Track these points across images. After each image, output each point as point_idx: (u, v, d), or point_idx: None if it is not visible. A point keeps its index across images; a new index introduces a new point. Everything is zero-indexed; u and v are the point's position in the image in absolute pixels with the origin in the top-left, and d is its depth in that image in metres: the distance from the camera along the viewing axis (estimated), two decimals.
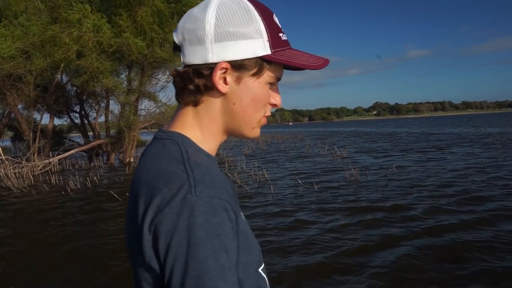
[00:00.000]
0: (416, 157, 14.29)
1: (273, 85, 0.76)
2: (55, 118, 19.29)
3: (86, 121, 21.45)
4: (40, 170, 14.69)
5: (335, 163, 13.61)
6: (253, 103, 0.74)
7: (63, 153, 17.36)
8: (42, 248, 5.43)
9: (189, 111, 0.75)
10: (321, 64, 0.75)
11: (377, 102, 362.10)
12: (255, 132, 0.78)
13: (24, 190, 10.79)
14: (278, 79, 0.76)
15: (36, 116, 18.62)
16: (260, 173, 10.73)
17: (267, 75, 0.73)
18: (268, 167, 13.33)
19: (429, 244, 4.67)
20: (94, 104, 21.35)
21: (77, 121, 21.62)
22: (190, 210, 0.60)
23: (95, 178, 11.97)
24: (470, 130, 33.21)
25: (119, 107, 17.89)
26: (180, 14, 15.02)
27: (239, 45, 0.69)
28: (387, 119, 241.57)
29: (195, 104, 0.74)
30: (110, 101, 18.98)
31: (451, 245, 4.59)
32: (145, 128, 19.10)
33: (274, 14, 0.75)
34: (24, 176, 12.93)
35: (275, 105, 0.79)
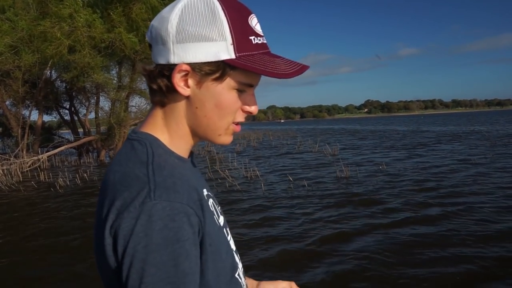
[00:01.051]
0: (404, 154, 14.43)
1: (244, 91, 0.72)
2: (44, 115, 19.08)
3: (76, 118, 21.21)
4: (29, 167, 14.51)
5: (326, 160, 13.68)
6: (217, 109, 0.70)
7: (52, 150, 17.17)
8: (27, 243, 5.38)
9: (158, 112, 0.73)
10: (292, 72, 0.69)
11: (368, 100, 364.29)
12: (222, 139, 0.75)
13: (12, 186, 10.66)
14: (250, 85, 0.71)
15: (25, 112, 18.39)
16: (251, 170, 10.74)
17: (231, 80, 0.69)
18: (259, 164, 13.35)
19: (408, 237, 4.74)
20: (84, 101, 21.14)
21: (67, 117, 21.37)
22: (148, 215, 0.59)
23: (85, 175, 11.87)
24: (460, 128, 33.60)
25: (110, 104, 17.75)
26: None
27: (200, 47, 0.66)
28: (378, 116, 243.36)
29: (162, 105, 0.72)
30: (101, 97, 18.84)
31: (427, 238, 4.67)
32: (135, 125, 18.96)
33: (252, 16, 0.70)
34: (13, 173, 12.78)
35: (249, 112, 0.75)
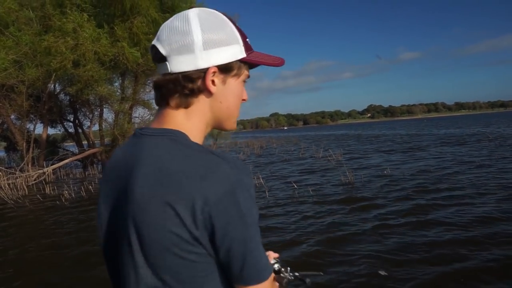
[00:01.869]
0: (406, 158, 14.38)
1: (245, 83, 0.88)
2: (48, 128, 19.22)
3: (80, 130, 21.34)
4: (35, 180, 14.58)
5: (330, 166, 13.66)
6: (235, 99, 0.86)
7: (57, 163, 17.25)
8: (34, 257, 5.40)
9: (179, 112, 0.82)
10: (280, 62, 0.89)
11: (371, 105, 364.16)
12: (234, 125, 0.90)
13: (18, 200, 10.72)
14: (249, 77, 0.89)
15: (30, 126, 18.54)
16: (255, 177, 10.74)
17: (244, 74, 0.86)
18: (263, 172, 13.35)
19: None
20: (88, 113, 21.25)
21: (71, 130, 21.51)
22: (240, 187, 0.72)
23: (90, 187, 11.91)
24: (463, 131, 33.46)
25: (113, 115, 17.86)
26: None
27: (223, 51, 0.80)
28: (381, 121, 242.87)
29: (187, 105, 0.82)
30: (104, 109, 18.93)
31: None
32: None
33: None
34: (18, 186, 12.83)
35: (244, 100, 0.90)
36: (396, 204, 6.94)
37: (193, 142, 0.78)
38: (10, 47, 13.50)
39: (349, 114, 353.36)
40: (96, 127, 20.82)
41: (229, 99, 0.84)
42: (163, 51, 0.79)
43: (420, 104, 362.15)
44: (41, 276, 4.66)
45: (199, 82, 0.80)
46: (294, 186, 9.38)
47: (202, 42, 0.77)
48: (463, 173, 9.74)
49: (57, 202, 9.98)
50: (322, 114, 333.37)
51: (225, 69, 0.81)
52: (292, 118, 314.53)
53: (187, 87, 0.79)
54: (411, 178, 9.62)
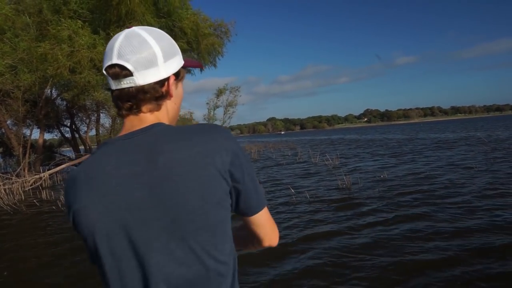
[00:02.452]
0: (401, 161, 14.45)
1: None
2: (45, 133, 19.22)
3: (77, 135, 21.35)
4: (31, 185, 14.53)
5: (327, 171, 13.71)
6: (181, 99, 1.02)
7: (54, 168, 17.21)
8: (31, 260, 5.39)
9: (152, 115, 0.93)
10: (201, 65, 1.07)
11: (367, 109, 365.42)
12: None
13: (14, 206, 10.68)
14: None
15: (26, 131, 18.51)
16: None
17: (183, 77, 1.01)
18: (260, 177, 13.37)
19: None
20: (84, 118, 21.31)
21: (68, 135, 21.53)
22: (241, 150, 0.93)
23: None
24: (458, 135, 33.62)
25: (110, 121, 17.92)
26: (170, 28, 15.16)
27: (175, 60, 0.95)
28: (377, 125, 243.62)
29: (158, 109, 0.93)
30: (101, 114, 19.01)
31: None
32: None
33: None
34: (15, 192, 12.78)
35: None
36: (387, 204, 6.99)
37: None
38: (6, 52, 13.50)
39: (346, 119, 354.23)
40: (93, 132, 20.89)
41: (179, 100, 1.00)
42: (130, 67, 0.86)
43: (417, 108, 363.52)
44: (40, 278, 4.67)
45: (163, 89, 0.92)
46: (291, 190, 9.42)
47: (162, 55, 0.90)
48: (449, 174, 9.85)
49: (54, 207, 9.95)
50: (319, 119, 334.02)
51: (177, 75, 0.96)
52: (289, 123, 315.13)
53: (155, 94, 0.90)
54: (405, 180, 9.68)
